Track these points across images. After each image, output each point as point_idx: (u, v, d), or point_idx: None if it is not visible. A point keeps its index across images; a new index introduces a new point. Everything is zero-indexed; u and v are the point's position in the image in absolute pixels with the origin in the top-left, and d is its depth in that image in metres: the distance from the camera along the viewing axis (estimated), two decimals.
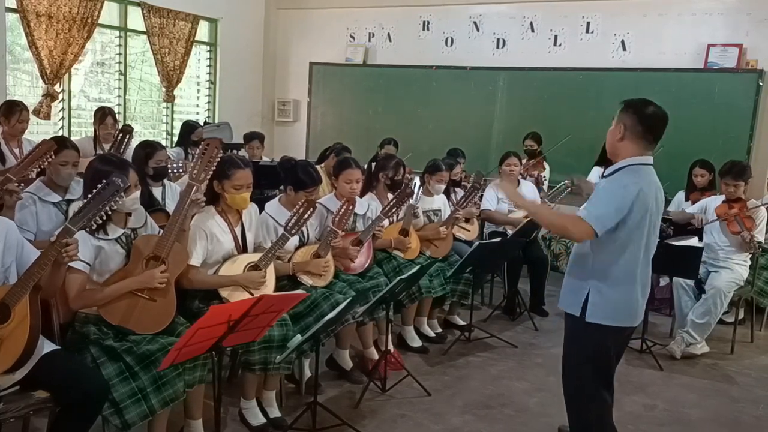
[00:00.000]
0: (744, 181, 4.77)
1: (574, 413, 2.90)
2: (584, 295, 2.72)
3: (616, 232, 2.63)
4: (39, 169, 3.46)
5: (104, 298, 2.78)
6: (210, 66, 8.22)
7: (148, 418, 2.69)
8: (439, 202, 5.00)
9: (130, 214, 2.95)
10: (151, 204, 3.79)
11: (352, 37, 8.34)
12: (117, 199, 2.50)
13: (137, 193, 2.92)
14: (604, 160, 6.06)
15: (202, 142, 3.14)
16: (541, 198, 5.68)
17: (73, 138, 6.02)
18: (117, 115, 6.58)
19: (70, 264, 2.55)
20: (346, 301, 3.14)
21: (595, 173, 6.29)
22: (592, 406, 2.81)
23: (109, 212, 2.54)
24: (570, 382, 2.90)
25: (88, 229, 2.61)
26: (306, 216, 3.50)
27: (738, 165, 4.86)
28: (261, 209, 3.71)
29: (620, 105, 2.73)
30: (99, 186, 2.48)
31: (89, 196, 2.48)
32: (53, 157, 3.39)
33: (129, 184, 2.72)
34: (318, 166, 4.66)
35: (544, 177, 6.36)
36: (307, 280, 3.67)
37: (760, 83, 6.32)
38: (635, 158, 2.66)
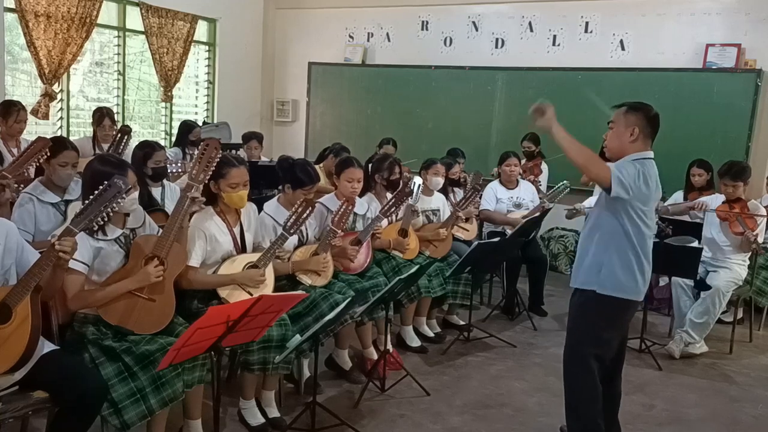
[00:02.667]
0: (743, 182, 4.77)
1: (569, 384, 3.10)
2: (599, 271, 2.96)
3: (634, 214, 2.90)
4: (36, 165, 3.45)
5: (103, 299, 2.78)
6: (209, 66, 8.22)
7: (147, 418, 2.69)
8: (437, 201, 5.00)
9: (128, 215, 2.95)
10: (150, 204, 3.79)
11: (351, 37, 8.34)
12: (119, 200, 2.50)
13: (136, 194, 2.92)
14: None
15: (202, 143, 3.14)
16: (540, 198, 5.69)
17: (71, 138, 6.02)
18: (116, 115, 6.60)
19: (69, 265, 2.55)
20: (346, 302, 3.14)
21: None
22: (585, 379, 3.03)
23: (111, 214, 2.54)
24: (569, 355, 3.11)
25: (86, 230, 2.61)
26: (305, 215, 3.50)
27: (737, 165, 4.86)
28: (260, 209, 3.71)
29: (618, 108, 2.99)
30: (101, 187, 2.48)
31: (91, 197, 2.48)
32: (48, 154, 3.38)
33: (130, 186, 2.71)
34: (317, 166, 4.65)
35: (540, 182, 6.36)
36: (306, 279, 3.66)
37: (759, 83, 6.33)
38: (642, 153, 2.94)
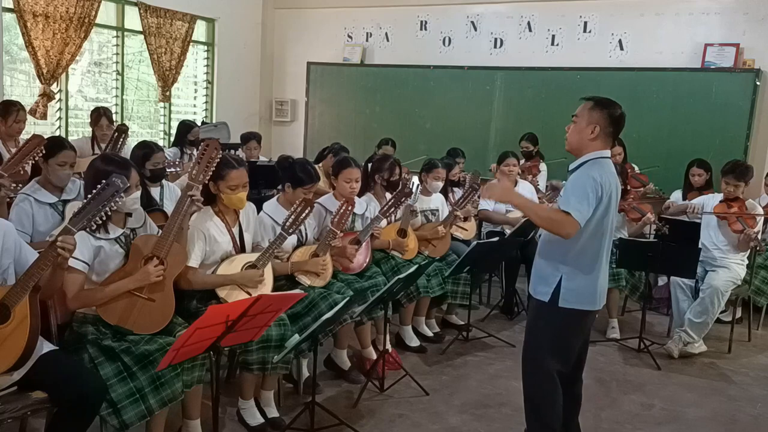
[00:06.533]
0: (745, 182, 4.77)
1: (529, 390, 3.06)
2: (556, 282, 2.86)
3: (592, 221, 2.79)
4: (32, 163, 3.45)
5: (102, 298, 2.78)
6: (207, 66, 8.22)
7: (146, 418, 2.69)
8: (436, 201, 5.00)
9: (129, 215, 2.95)
10: (149, 204, 3.78)
11: (350, 37, 8.34)
12: (117, 199, 2.50)
13: (138, 194, 2.92)
14: None
15: (202, 143, 3.14)
16: (539, 198, 5.69)
17: (70, 138, 6.03)
18: (114, 115, 6.59)
19: (69, 264, 2.55)
20: (344, 301, 3.13)
21: None
22: (546, 386, 2.97)
23: (109, 213, 2.53)
24: (528, 361, 3.04)
25: (87, 229, 2.61)
26: (304, 215, 3.49)
27: (741, 165, 4.86)
28: (259, 209, 3.71)
29: (584, 101, 2.90)
30: (99, 186, 2.48)
31: (89, 196, 2.48)
32: (44, 151, 3.37)
33: (129, 185, 2.70)
34: (316, 166, 4.65)
35: (538, 182, 6.36)
36: (305, 280, 3.66)
37: (757, 83, 6.34)
38: (599, 152, 2.85)
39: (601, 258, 2.87)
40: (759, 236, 4.77)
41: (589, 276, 2.85)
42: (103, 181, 2.49)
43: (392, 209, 4.23)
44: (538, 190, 6.04)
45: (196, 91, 8.25)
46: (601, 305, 2.96)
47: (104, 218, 2.53)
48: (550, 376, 2.95)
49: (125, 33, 7.16)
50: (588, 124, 2.83)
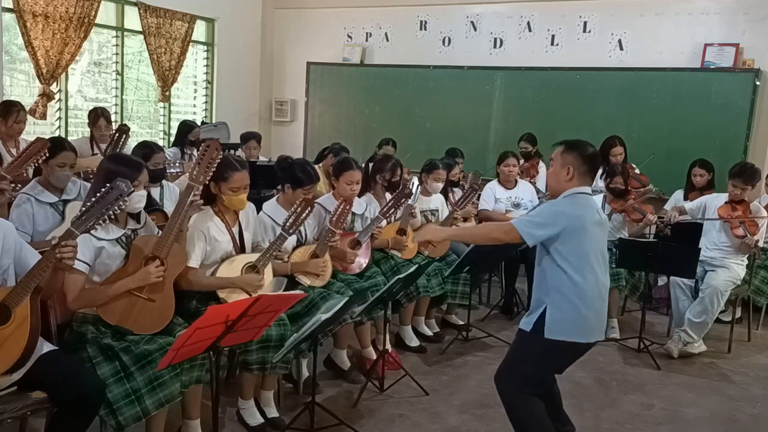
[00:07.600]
0: (752, 186, 4.76)
1: (511, 412, 2.98)
2: (539, 311, 2.86)
3: (562, 248, 2.81)
4: (34, 166, 3.45)
5: (103, 299, 2.78)
6: (207, 66, 8.21)
7: (141, 420, 2.68)
8: (436, 201, 5.00)
9: (132, 215, 2.95)
10: (149, 204, 3.78)
11: (350, 37, 8.34)
12: (120, 204, 2.50)
13: (144, 192, 2.92)
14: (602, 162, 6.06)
15: (202, 144, 3.14)
16: (538, 198, 5.68)
17: (70, 138, 6.03)
18: (114, 115, 6.58)
19: None
20: (342, 301, 3.13)
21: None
22: (525, 407, 2.92)
23: (113, 216, 2.53)
24: (504, 389, 2.97)
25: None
26: (304, 215, 3.49)
27: (750, 168, 4.82)
28: (259, 209, 3.71)
29: (557, 147, 3.00)
30: (102, 190, 2.48)
31: (92, 199, 2.48)
32: (47, 154, 3.38)
33: (132, 189, 2.68)
34: (316, 166, 4.65)
35: (535, 183, 6.36)
36: (305, 280, 3.66)
37: (757, 82, 6.34)
38: (576, 188, 2.92)
39: (586, 290, 2.82)
40: (761, 243, 4.76)
41: (575, 306, 2.81)
42: (107, 184, 2.49)
43: (392, 209, 4.23)
44: (537, 191, 6.03)
45: (195, 91, 8.25)
46: (593, 338, 2.90)
47: (107, 222, 2.53)
48: (528, 400, 2.92)
49: (125, 33, 7.16)
50: (562, 166, 2.93)
